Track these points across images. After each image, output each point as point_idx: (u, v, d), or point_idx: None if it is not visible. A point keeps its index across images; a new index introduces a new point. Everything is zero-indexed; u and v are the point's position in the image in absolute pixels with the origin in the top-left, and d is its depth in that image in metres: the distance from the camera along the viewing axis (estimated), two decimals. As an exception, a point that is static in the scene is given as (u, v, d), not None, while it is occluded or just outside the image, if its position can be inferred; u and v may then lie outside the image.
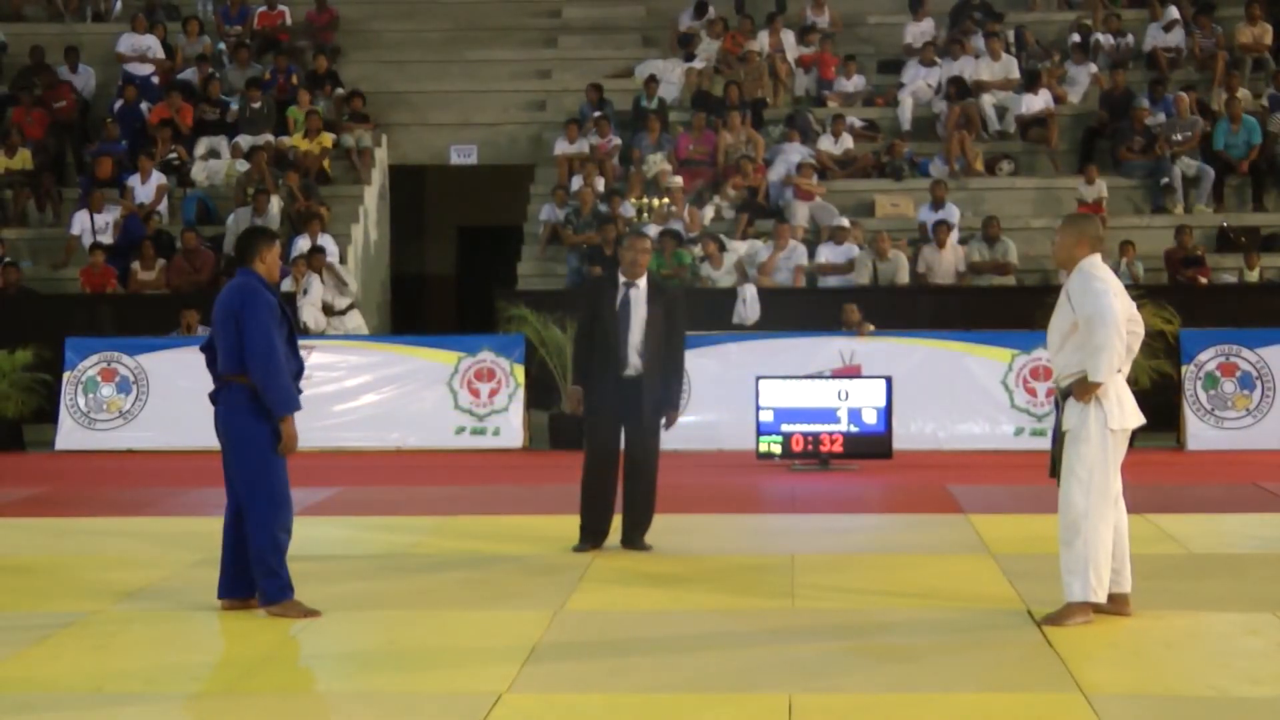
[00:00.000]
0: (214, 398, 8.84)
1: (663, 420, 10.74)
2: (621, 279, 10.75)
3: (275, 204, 21.42)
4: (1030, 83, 22.96)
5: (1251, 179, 21.94)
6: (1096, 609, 8.38)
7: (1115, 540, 8.44)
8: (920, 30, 24.18)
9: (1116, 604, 8.47)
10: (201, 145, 22.85)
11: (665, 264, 20.00)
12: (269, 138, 22.79)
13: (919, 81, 23.39)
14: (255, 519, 8.67)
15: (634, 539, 10.82)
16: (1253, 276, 20.17)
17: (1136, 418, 8.48)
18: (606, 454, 10.70)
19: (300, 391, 8.92)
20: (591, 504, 10.77)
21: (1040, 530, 11.31)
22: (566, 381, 15.94)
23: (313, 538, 11.64)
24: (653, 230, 20.56)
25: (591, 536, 10.78)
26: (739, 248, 20.29)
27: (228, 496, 8.85)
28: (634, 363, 10.59)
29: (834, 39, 24.38)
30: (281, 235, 21.08)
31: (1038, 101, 22.76)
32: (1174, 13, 24.03)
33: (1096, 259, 8.69)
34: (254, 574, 8.71)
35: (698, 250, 20.29)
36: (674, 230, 20.32)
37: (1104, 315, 8.38)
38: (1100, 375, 8.31)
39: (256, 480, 8.65)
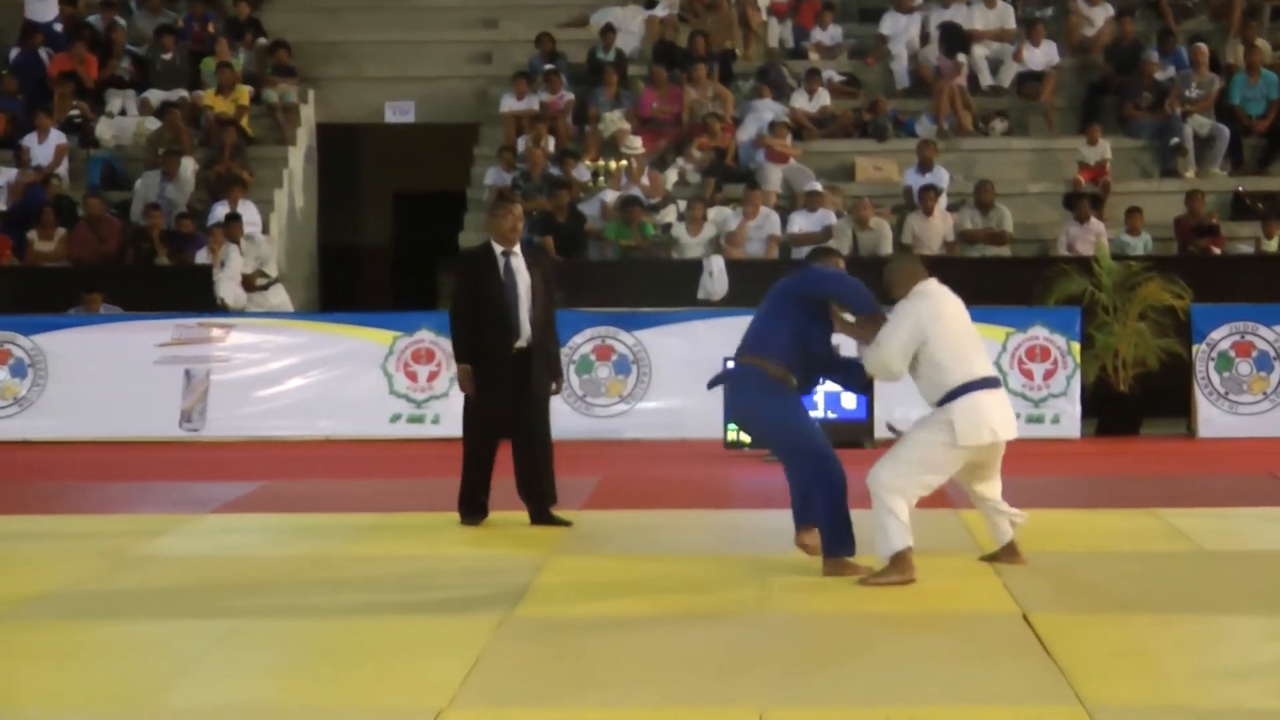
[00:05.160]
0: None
1: (553, 388, 11.67)
2: (499, 248, 11.46)
3: (189, 166, 21.34)
4: (1030, 32, 22.98)
5: (1270, 139, 22.03)
6: (993, 558, 9.93)
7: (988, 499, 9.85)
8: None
9: (1008, 553, 9.89)
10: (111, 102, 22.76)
11: (628, 234, 20.00)
12: (183, 93, 22.70)
13: (912, 31, 23.37)
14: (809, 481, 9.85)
15: (547, 514, 11.54)
16: (1271, 246, 20.25)
17: (986, 434, 9.58)
18: (496, 429, 11.49)
19: None
20: (481, 480, 11.54)
21: (1039, 526, 11.35)
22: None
23: (235, 538, 11.64)
24: (609, 196, 20.56)
25: (483, 510, 11.59)
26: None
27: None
28: (527, 333, 11.33)
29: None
30: (198, 201, 21.04)
31: (1039, 55, 22.80)
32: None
33: (931, 283, 9.87)
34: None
35: (670, 214, 20.28)
36: (635, 197, 20.31)
37: (891, 332, 9.66)
38: (868, 363, 9.89)
39: (795, 450, 9.93)
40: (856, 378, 10.42)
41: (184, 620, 8.87)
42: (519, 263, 11.45)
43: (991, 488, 9.86)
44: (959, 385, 9.54)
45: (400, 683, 7.59)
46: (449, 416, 17.46)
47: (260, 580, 9.96)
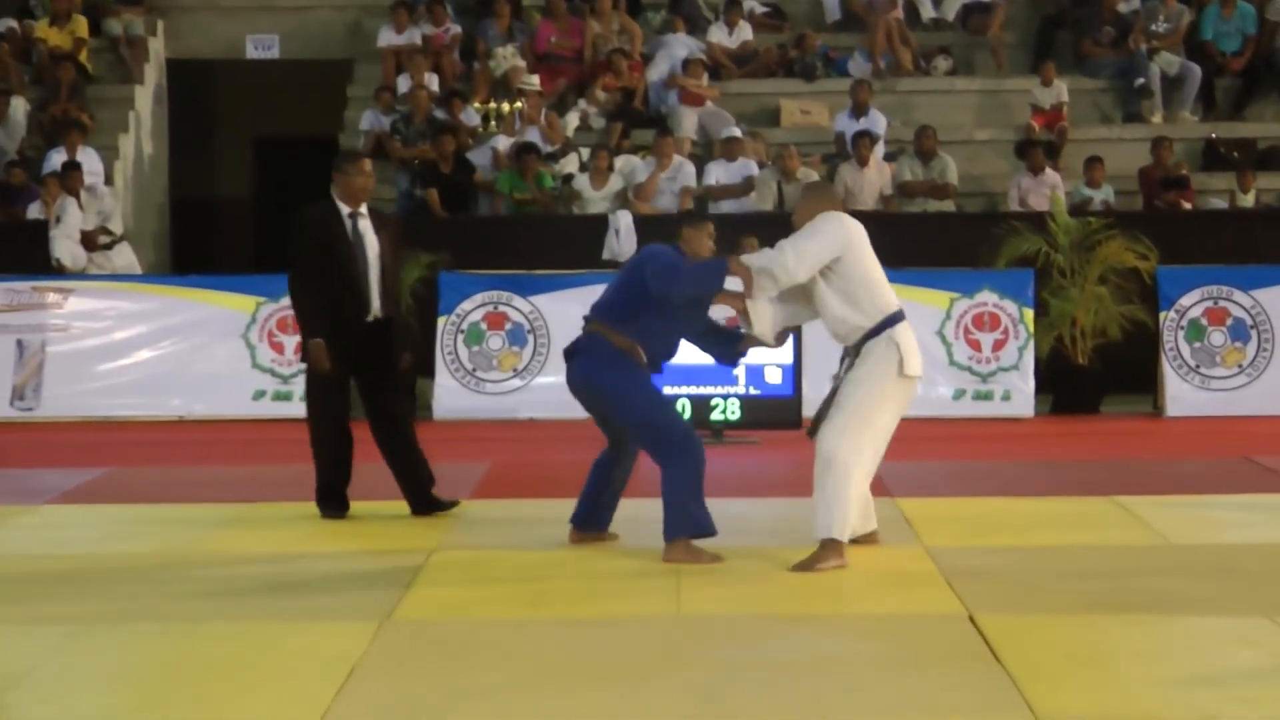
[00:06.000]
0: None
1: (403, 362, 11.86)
2: (345, 208, 11.63)
3: (20, 107, 21.16)
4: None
5: (1246, 80, 22.21)
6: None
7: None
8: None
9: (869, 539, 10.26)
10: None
11: (524, 187, 19.96)
12: (11, 23, 22.49)
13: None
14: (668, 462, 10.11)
15: (434, 500, 11.73)
16: (1247, 200, 20.44)
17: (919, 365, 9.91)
18: (346, 409, 11.68)
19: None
20: (344, 467, 11.70)
21: (985, 517, 11.46)
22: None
23: (74, 532, 11.57)
24: (502, 143, 20.52)
25: (344, 501, 11.70)
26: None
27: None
28: (377, 303, 11.50)
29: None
30: (31, 148, 20.86)
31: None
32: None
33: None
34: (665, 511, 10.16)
35: (571, 164, 20.25)
36: (531, 144, 20.27)
37: (809, 235, 9.76)
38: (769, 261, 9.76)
39: (653, 426, 10.16)
40: (728, 348, 10.50)
41: (16, 626, 8.80)
42: (366, 225, 11.59)
43: None
44: (896, 310, 9.80)
45: (265, 696, 7.57)
46: (320, 393, 17.42)
47: (104, 580, 9.89)
